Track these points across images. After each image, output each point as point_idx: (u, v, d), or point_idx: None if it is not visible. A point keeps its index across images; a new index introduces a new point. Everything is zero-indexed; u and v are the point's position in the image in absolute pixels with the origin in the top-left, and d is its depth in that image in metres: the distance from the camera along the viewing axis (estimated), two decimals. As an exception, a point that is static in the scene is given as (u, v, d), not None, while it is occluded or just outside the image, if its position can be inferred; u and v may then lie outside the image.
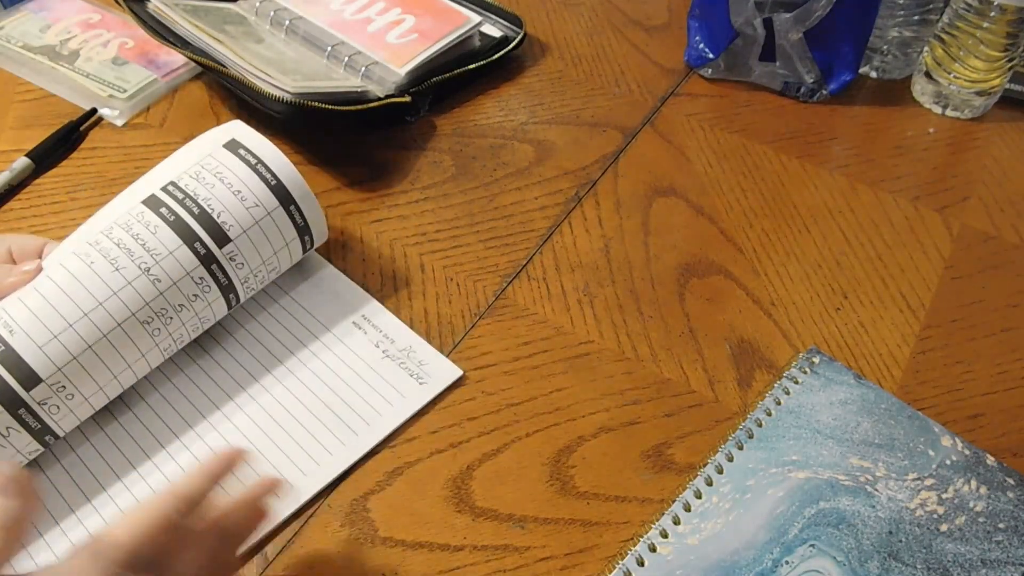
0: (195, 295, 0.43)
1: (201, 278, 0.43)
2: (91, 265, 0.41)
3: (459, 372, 0.46)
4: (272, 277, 0.47)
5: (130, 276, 0.41)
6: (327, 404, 0.45)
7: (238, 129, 0.46)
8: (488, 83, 0.64)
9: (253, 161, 0.45)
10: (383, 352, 0.47)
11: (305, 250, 0.48)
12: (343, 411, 0.44)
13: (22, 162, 0.54)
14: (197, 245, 0.42)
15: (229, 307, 0.45)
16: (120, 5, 0.57)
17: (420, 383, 0.46)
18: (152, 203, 0.43)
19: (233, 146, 0.45)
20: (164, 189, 0.43)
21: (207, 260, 0.43)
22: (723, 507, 0.40)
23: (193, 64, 0.60)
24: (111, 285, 0.40)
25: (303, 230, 0.47)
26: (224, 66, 0.54)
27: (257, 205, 0.44)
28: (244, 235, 0.44)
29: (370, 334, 0.48)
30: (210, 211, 0.43)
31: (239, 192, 0.44)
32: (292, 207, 0.46)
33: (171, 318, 0.42)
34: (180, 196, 0.43)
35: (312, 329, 0.48)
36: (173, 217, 0.43)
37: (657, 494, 0.41)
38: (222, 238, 0.43)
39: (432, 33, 0.61)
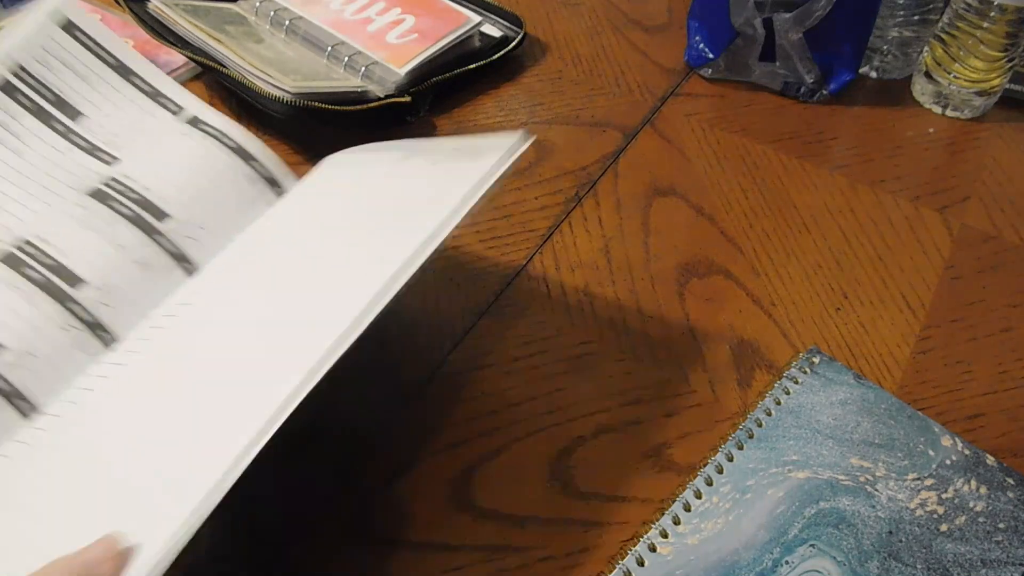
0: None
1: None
2: None
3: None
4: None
5: None
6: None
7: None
8: (488, 83, 0.64)
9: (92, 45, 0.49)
10: None
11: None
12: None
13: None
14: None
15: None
16: (120, 5, 0.57)
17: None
18: None
19: (70, 28, 0.48)
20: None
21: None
22: (723, 507, 0.40)
23: (193, 64, 0.60)
24: None
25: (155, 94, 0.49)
26: (224, 66, 0.54)
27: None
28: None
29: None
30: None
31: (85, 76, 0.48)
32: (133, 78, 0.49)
33: None
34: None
35: None
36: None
37: (657, 494, 0.41)
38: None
39: (432, 33, 0.61)
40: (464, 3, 0.66)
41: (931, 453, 0.43)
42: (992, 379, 0.47)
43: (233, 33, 0.58)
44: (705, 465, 0.42)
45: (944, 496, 0.41)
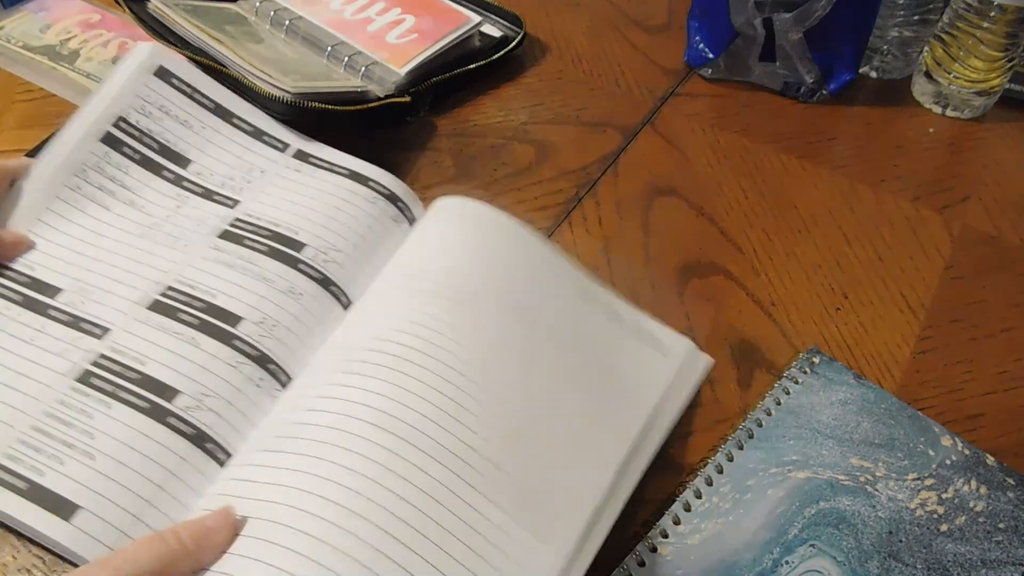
0: None
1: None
2: None
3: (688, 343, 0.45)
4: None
5: None
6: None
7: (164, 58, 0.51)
8: (488, 83, 0.64)
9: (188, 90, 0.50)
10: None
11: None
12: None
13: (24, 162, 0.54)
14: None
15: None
16: (120, 5, 0.57)
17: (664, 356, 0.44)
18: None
19: (164, 75, 0.49)
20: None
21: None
22: (723, 507, 0.40)
23: (193, 64, 0.59)
24: None
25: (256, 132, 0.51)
26: (224, 66, 0.54)
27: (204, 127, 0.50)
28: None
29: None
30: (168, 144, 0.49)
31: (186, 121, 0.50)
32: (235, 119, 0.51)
33: None
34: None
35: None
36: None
37: (657, 494, 0.41)
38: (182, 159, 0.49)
39: (432, 33, 0.61)
40: (464, 3, 0.66)
41: (931, 453, 0.43)
42: (992, 379, 0.47)
43: (233, 33, 0.58)
44: (705, 465, 0.42)
45: (944, 496, 0.41)
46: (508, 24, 0.67)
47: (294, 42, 0.61)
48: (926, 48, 0.62)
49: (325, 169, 0.51)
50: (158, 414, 0.38)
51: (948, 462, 0.42)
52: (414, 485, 0.35)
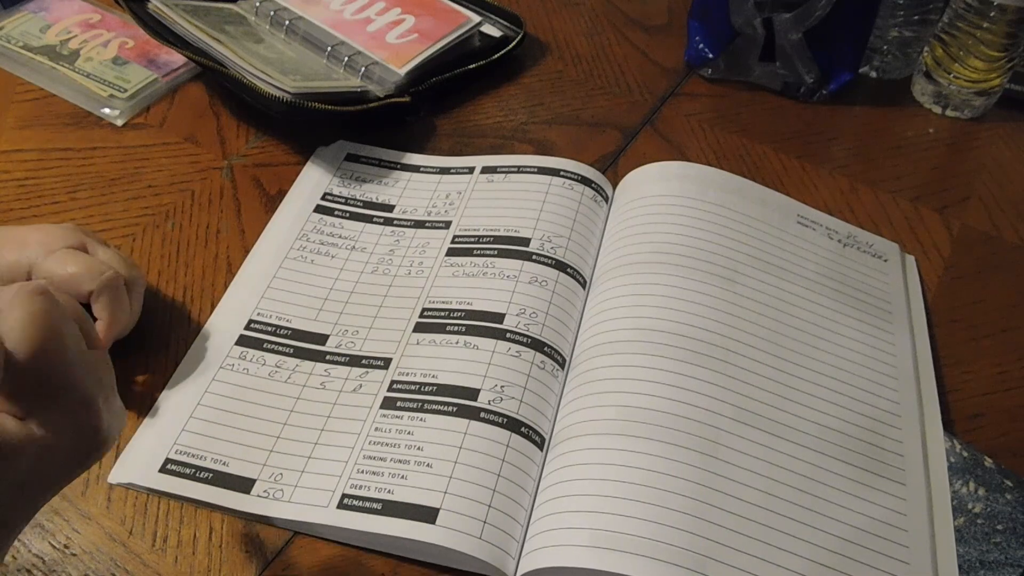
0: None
1: None
2: None
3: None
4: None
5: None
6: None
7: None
8: (488, 83, 0.64)
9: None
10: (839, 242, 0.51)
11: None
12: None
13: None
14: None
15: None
16: (120, 5, 0.57)
17: (884, 260, 0.51)
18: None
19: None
20: None
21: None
22: None
23: (193, 64, 0.60)
24: None
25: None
26: (224, 66, 0.54)
27: None
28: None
29: (818, 230, 0.52)
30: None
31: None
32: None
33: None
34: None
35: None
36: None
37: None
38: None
39: (432, 33, 0.61)
40: (464, 3, 0.66)
41: (930, 454, 0.42)
42: (992, 379, 0.47)
43: (233, 33, 0.58)
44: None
45: (943, 497, 0.41)
46: (508, 24, 0.67)
47: (294, 42, 0.61)
48: (926, 48, 0.62)
49: (515, 172, 0.54)
50: (469, 413, 0.41)
51: (947, 464, 0.42)
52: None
